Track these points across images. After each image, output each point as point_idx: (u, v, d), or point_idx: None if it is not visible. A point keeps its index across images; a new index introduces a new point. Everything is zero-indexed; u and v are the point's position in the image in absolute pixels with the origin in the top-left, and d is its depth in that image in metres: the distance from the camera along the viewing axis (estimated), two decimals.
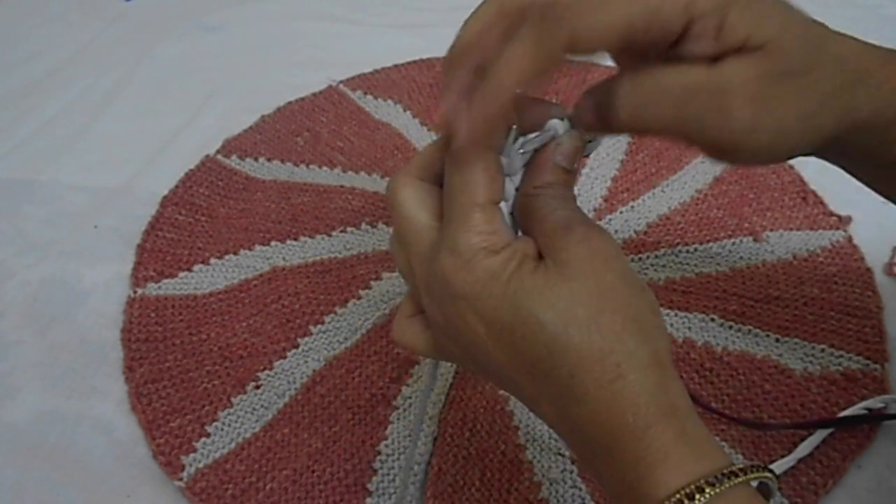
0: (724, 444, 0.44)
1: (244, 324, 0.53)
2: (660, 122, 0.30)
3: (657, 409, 0.28)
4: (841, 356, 0.48)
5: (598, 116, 0.31)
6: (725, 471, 0.27)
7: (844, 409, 0.45)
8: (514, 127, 0.30)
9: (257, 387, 0.49)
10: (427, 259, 0.32)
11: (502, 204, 0.31)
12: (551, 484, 0.43)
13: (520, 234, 0.32)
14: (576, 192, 0.59)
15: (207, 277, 0.56)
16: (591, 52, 0.29)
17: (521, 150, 0.31)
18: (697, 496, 0.26)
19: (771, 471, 0.29)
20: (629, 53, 0.30)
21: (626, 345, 0.28)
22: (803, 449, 0.43)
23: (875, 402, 0.45)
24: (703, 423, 0.29)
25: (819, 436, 0.44)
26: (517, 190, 0.32)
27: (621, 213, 0.59)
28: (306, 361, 0.51)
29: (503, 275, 0.29)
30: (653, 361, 0.29)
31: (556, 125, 0.31)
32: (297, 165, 0.65)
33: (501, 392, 0.48)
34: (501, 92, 0.29)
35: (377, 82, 0.74)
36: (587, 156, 0.35)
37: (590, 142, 0.33)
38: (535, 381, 0.30)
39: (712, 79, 0.29)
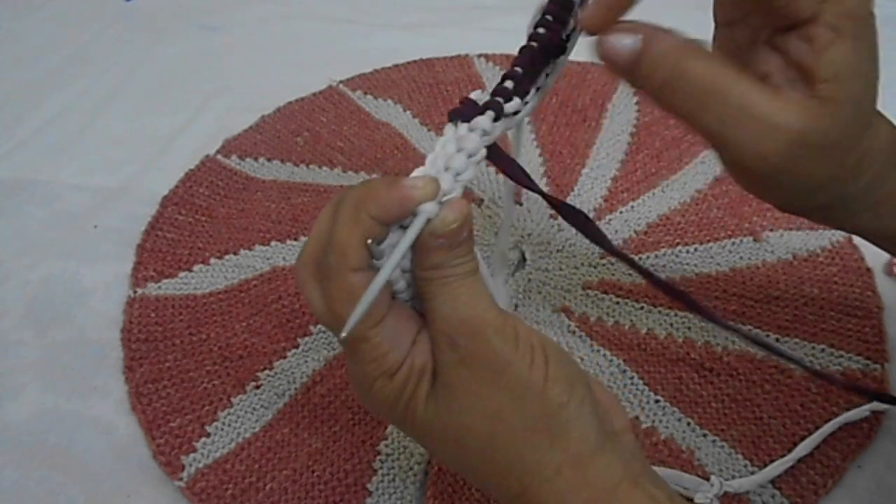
0: (723, 444, 0.44)
1: (244, 324, 0.53)
2: (683, 106, 0.29)
3: None
4: (841, 356, 0.48)
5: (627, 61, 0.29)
6: None
7: (845, 409, 0.45)
8: (369, 241, 0.27)
9: (257, 387, 0.49)
10: None
11: (401, 282, 0.30)
12: None
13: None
14: (576, 191, 0.60)
15: (207, 277, 0.56)
16: None
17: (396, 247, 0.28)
18: None
19: None
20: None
21: (524, 460, 0.29)
22: (803, 448, 0.43)
23: (881, 405, 0.45)
24: (643, 496, 0.29)
25: (819, 436, 0.44)
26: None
27: (621, 213, 0.59)
28: (306, 361, 0.51)
29: (400, 402, 0.30)
30: (563, 462, 0.28)
31: (426, 208, 0.28)
32: (297, 165, 0.65)
33: None
34: None
35: (377, 82, 0.74)
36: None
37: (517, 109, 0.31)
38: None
39: (768, 104, 0.28)
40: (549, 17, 0.32)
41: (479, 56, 0.75)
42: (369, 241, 0.27)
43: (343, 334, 0.27)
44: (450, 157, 0.29)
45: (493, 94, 0.31)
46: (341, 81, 0.74)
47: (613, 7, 0.29)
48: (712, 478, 0.42)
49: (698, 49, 0.29)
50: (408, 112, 0.70)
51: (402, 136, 0.68)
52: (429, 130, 0.68)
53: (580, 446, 0.29)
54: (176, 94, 0.75)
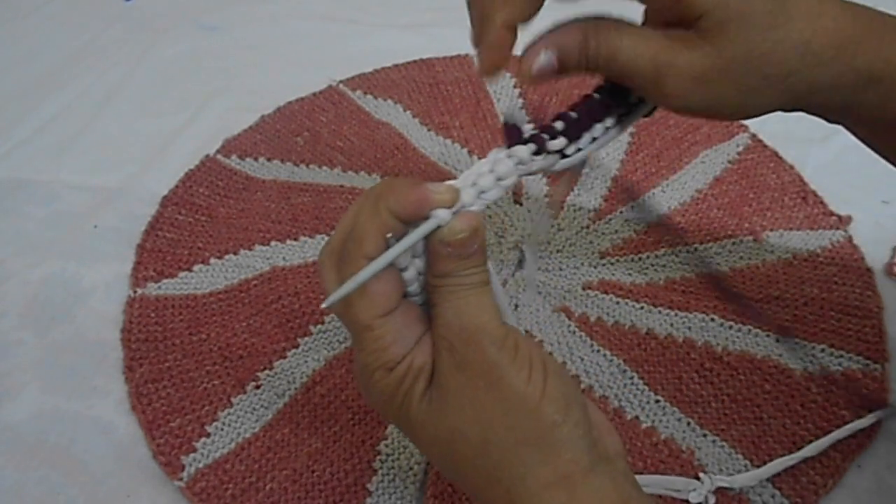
0: (724, 444, 0.44)
1: (244, 324, 0.53)
2: (613, 74, 0.32)
3: None
4: (841, 356, 0.48)
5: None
6: None
7: (845, 409, 0.45)
8: (389, 235, 0.28)
9: (257, 387, 0.49)
10: None
11: (415, 284, 0.30)
12: None
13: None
14: (576, 191, 0.60)
15: (207, 277, 0.56)
16: None
17: (402, 246, 0.29)
18: None
19: None
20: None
21: (513, 470, 0.29)
22: (808, 452, 0.43)
23: (889, 412, 0.45)
24: None
25: (827, 440, 0.43)
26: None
27: (621, 212, 0.59)
28: (306, 361, 0.51)
29: (396, 398, 0.30)
30: (552, 481, 0.29)
31: (439, 214, 0.29)
32: (297, 165, 0.65)
33: None
34: (491, 27, 0.31)
35: (377, 82, 0.74)
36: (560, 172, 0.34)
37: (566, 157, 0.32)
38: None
39: (657, 56, 0.30)
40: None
41: None
42: (389, 235, 0.28)
43: (323, 305, 0.28)
44: (480, 175, 0.30)
45: (541, 129, 0.32)
46: (341, 81, 0.74)
47: (502, 47, 0.32)
48: (702, 475, 0.42)
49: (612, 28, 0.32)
50: (408, 112, 0.70)
51: (402, 136, 0.68)
52: (429, 130, 0.68)
53: (571, 467, 0.29)
54: (176, 94, 0.75)
